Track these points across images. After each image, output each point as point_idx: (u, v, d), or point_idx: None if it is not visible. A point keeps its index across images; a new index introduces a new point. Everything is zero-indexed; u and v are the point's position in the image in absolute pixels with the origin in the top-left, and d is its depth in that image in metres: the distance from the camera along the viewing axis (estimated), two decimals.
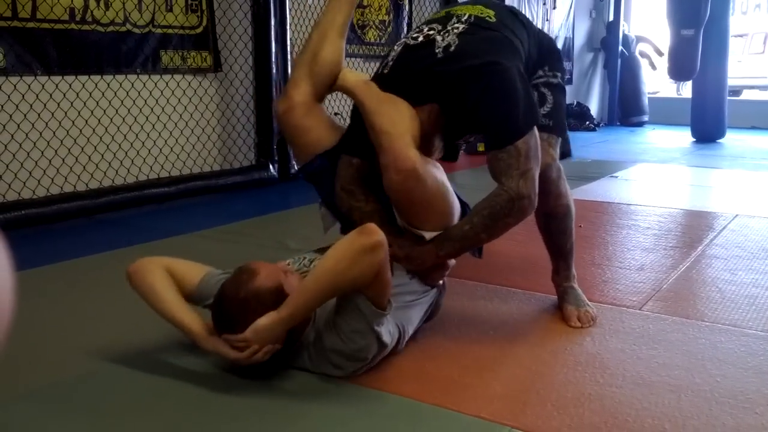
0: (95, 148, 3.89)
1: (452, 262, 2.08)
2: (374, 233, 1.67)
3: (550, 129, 2.18)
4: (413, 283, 2.00)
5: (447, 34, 2.00)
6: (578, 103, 9.61)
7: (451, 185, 2.01)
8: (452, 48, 1.95)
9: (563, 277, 2.36)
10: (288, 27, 4.67)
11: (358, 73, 2.26)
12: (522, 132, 1.89)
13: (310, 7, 5.24)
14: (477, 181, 5.33)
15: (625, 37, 9.99)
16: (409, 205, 1.91)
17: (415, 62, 1.98)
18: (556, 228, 2.30)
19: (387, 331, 1.81)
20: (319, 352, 1.80)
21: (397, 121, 1.87)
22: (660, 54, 10.30)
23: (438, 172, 1.95)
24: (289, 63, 4.66)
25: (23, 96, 3.53)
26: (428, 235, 1.97)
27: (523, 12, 8.46)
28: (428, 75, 1.94)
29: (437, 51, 1.96)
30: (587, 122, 9.28)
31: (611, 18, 10.00)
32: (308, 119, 2.13)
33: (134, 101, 4.09)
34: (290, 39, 4.71)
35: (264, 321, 1.67)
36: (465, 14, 2.06)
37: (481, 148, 6.62)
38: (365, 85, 2.00)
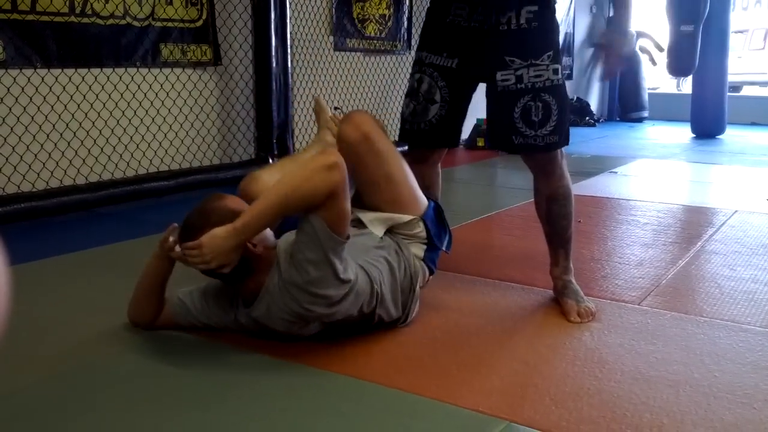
0: (95, 141, 3.89)
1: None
2: (333, 155, 1.77)
3: (563, 143, 2.25)
4: (387, 250, 2.04)
5: None
6: (578, 98, 9.61)
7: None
8: None
9: (562, 269, 2.36)
10: (288, 21, 4.65)
11: None
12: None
13: (309, 1, 5.22)
14: (475, 176, 5.33)
15: None
16: (364, 165, 2.03)
17: None
18: (558, 212, 2.31)
19: (347, 269, 1.82)
20: (279, 291, 1.82)
21: None
22: (660, 50, 10.27)
23: (391, 146, 2.11)
24: (289, 56, 4.65)
25: (23, 89, 3.52)
26: (402, 217, 2.10)
27: None
28: None
29: None
30: (587, 118, 9.28)
31: (612, 13, 9.99)
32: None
33: (134, 95, 4.08)
34: (290, 33, 4.69)
35: (219, 229, 1.74)
36: None
37: (480, 143, 6.62)
38: None
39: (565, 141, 2.25)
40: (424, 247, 2.14)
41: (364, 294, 1.89)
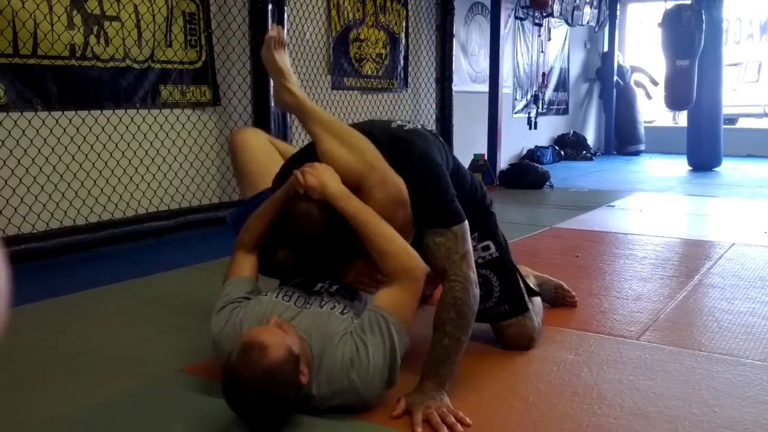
0: (95, 182, 3.91)
1: None
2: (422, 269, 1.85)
3: (515, 311, 2.24)
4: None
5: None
6: (575, 132, 9.69)
7: None
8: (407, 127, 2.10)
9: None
10: None
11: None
12: (461, 218, 1.94)
13: (308, 42, 5.30)
14: None
15: (620, 67, 10.09)
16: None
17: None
18: None
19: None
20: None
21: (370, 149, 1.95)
22: (655, 84, 10.40)
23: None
24: None
25: (24, 131, 3.56)
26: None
27: (519, 44, 8.53)
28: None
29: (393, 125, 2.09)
30: (584, 152, 9.34)
31: (606, 49, 10.11)
32: (260, 146, 2.25)
33: (134, 135, 4.12)
34: None
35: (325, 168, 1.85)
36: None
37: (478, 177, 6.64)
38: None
39: (521, 308, 2.25)
40: None
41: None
